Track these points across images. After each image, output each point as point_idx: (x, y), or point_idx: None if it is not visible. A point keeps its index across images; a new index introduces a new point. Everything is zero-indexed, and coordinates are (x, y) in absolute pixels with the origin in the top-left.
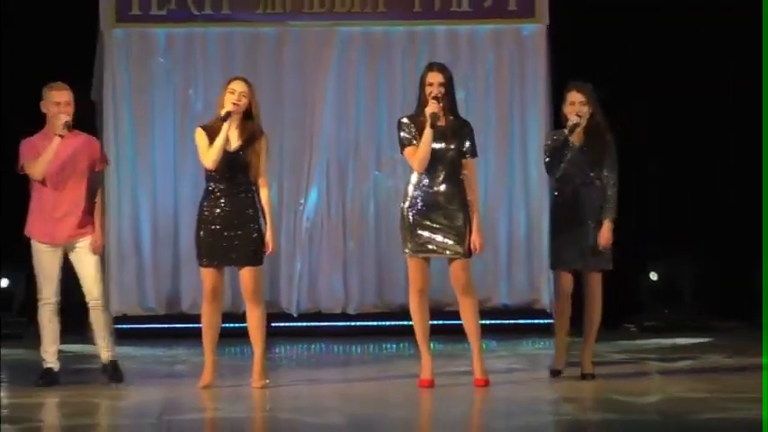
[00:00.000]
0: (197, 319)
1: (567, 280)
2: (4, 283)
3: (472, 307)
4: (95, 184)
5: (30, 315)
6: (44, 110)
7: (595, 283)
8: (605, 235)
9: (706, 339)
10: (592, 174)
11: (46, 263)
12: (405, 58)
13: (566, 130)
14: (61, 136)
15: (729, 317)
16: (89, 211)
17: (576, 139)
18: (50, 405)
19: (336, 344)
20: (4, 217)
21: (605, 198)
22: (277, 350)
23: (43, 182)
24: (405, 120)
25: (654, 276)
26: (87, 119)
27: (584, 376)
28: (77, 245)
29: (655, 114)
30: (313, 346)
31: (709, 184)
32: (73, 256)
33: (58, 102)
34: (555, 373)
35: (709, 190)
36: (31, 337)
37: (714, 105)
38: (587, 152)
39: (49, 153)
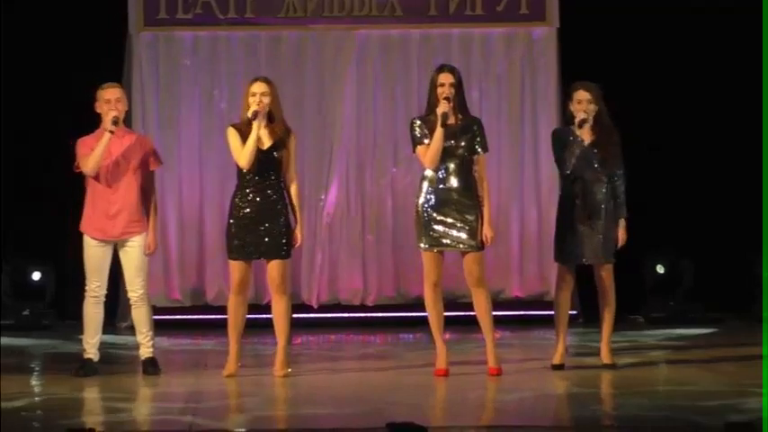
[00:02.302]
0: (222, 310)
1: (572, 275)
2: (36, 275)
3: (485, 298)
4: (149, 184)
5: (60, 307)
6: (98, 110)
7: (608, 275)
8: (624, 233)
9: (710, 330)
10: (600, 171)
11: (95, 257)
12: (420, 60)
13: (572, 127)
14: (111, 132)
15: (732, 309)
16: (142, 210)
17: (585, 136)
18: (81, 392)
19: (355, 334)
20: (35, 213)
21: (617, 196)
22: (298, 340)
23: (97, 179)
24: (417, 120)
25: (660, 269)
26: None
27: (605, 366)
28: (128, 242)
29: (664, 114)
30: (332, 336)
31: (717, 179)
32: (122, 253)
33: (109, 99)
34: (557, 368)
35: (717, 185)
36: (62, 327)
37: (725, 105)
38: (597, 149)
39: (99, 148)
